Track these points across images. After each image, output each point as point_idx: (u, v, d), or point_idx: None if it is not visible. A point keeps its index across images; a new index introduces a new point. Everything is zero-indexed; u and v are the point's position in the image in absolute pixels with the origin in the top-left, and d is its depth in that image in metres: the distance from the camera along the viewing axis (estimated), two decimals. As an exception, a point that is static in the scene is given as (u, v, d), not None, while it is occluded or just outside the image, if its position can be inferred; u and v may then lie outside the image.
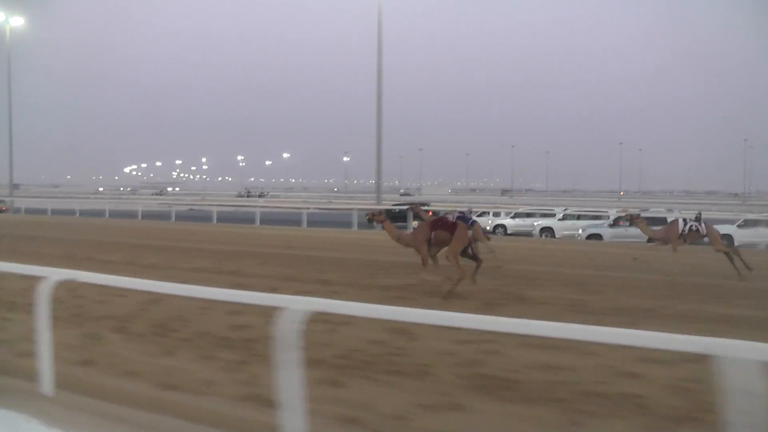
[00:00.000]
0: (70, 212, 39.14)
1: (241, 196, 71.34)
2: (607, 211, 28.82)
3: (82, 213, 38.85)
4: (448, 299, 9.28)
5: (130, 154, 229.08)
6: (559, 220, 28.05)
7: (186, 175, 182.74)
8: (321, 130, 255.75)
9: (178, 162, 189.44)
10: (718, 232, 13.20)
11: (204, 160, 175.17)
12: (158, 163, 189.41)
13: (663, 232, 13.41)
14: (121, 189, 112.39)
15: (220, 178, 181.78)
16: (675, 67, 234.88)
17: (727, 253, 12.72)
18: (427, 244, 10.10)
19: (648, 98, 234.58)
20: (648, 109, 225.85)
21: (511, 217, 29.01)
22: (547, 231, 26.96)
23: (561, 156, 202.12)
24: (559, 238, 25.58)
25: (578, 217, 28.31)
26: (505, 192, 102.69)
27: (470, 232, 10.29)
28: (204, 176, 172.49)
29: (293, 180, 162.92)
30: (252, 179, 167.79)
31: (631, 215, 14.40)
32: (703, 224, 12.92)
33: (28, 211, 41.20)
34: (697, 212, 14.26)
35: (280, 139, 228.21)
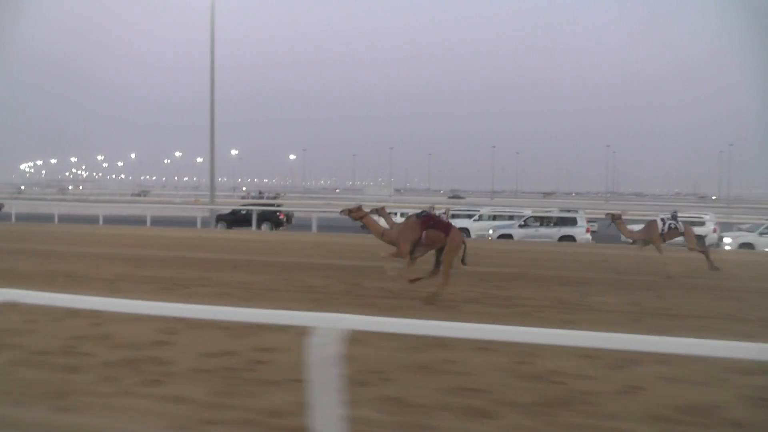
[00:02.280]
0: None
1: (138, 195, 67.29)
2: (522, 212, 29.26)
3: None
4: (431, 304, 8.86)
5: (25, 150, 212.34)
6: (474, 221, 28.21)
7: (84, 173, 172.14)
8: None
9: (73, 159, 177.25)
10: (693, 231, 13.73)
11: (101, 158, 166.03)
12: (53, 161, 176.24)
13: (643, 233, 13.61)
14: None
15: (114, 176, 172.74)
16: (654, 71, 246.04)
17: (702, 252, 13.40)
18: (413, 242, 9.36)
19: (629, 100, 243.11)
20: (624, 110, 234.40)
21: (474, 220, 28.74)
22: (464, 231, 26.91)
23: (534, 157, 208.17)
24: (474, 239, 25.53)
25: (494, 218, 28.53)
26: (454, 194, 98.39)
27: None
28: (98, 174, 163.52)
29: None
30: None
31: (613, 215, 14.28)
32: (680, 222, 13.32)
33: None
34: (673, 210, 14.77)
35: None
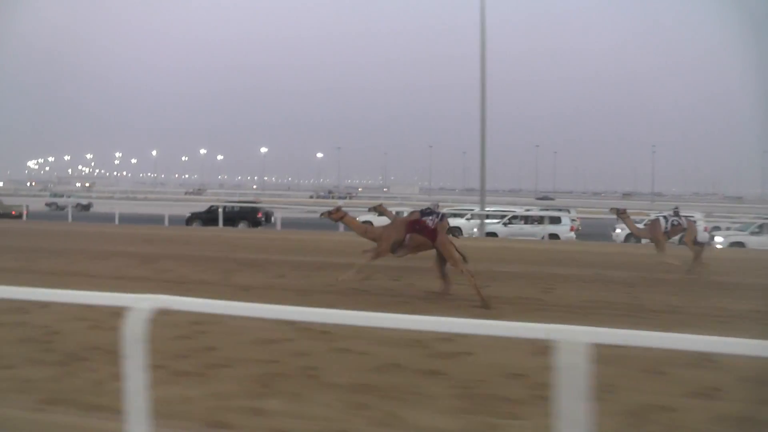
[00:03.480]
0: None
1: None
2: (515, 211, 29.24)
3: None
4: (487, 307, 8.57)
5: (32, 147, 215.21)
6: (467, 219, 28.19)
7: (97, 171, 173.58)
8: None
9: (88, 156, 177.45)
10: (696, 227, 13.78)
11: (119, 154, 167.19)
12: (66, 157, 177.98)
13: (647, 231, 13.74)
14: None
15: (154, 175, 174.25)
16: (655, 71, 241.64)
17: (695, 249, 13.11)
18: (396, 243, 9.38)
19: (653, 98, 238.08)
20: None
21: (467, 219, 28.61)
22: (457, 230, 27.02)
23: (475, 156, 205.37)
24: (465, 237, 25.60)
25: (487, 218, 28.34)
26: (544, 196, 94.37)
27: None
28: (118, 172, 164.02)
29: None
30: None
31: (618, 210, 14.32)
32: (683, 218, 13.33)
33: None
34: (674, 207, 14.73)
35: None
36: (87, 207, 41.57)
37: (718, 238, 24.21)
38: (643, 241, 18.34)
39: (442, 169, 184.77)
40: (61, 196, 47.65)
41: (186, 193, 74.65)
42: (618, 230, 24.46)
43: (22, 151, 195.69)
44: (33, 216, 32.82)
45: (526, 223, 25.62)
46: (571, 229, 24.84)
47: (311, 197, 65.45)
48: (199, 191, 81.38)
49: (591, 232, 27.57)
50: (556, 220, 25.33)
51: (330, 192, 75.69)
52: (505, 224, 25.66)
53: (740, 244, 23.24)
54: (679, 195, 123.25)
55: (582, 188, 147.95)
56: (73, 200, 41.15)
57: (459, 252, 9.37)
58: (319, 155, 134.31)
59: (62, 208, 35.48)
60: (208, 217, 28.86)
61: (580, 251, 17.97)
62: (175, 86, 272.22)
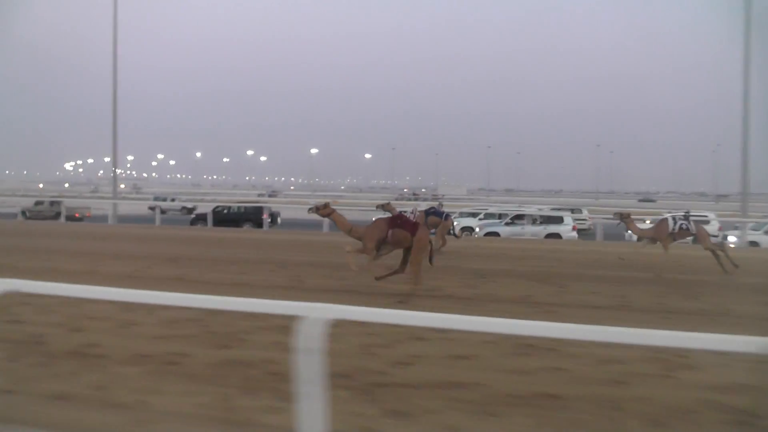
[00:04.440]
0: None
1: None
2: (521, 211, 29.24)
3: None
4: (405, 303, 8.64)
5: (68, 149, 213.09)
6: (479, 219, 28.12)
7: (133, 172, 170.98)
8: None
9: (129, 158, 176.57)
10: (706, 230, 13.46)
11: (161, 156, 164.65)
12: (106, 159, 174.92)
13: (652, 231, 13.49)
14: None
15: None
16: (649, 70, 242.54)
17: (713, 251, 12.88)
18: (379, 240, 9.45)
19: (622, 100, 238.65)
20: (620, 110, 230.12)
21: (479, 219, 28.47)
22: (467, 230, 26.95)
23: (532, 156, 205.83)
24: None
25: (499, 216, 28.21)
26: (645, 198, 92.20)
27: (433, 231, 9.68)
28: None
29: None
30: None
31: (621, 213, 14.19)
32: (692, 222, 13.02)
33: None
34: (685, 210, 14.42)
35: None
36: (191, 210, 40.83)
37: (731, 238, 24.43)
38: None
39: (498, 169, 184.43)
40: (164, 199, 46.58)
41: (259, 195, 72.87)
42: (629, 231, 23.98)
43: (57, 154, 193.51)
44: (126, 219, 31.24)
45: (528, 223, 25.63)
46: (573, 229, 24.94)
47: (397, 198, 63.58)
48: (273, 193, 79.64)
49: (605, 232, 27.54)
50: (558, 220, 25.43)
51: (414, 194, 74.06)
52: (507, 224, 25.65)
53: (755, 244, 23.39)
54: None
55: (636, 188, 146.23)
56: (177, 204, 42.08)
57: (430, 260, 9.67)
58: (368, 156, 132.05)
59: (164, 211, 34.61)
60: (213, 218, 28.99)
61: (573, 251, 17.88)
62: (212, 87, 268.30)
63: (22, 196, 44.93)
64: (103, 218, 30.60)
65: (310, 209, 10.73)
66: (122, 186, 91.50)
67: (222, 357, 5.56)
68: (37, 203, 34.87)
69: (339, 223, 10.21)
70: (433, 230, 15.26)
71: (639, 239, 14.64)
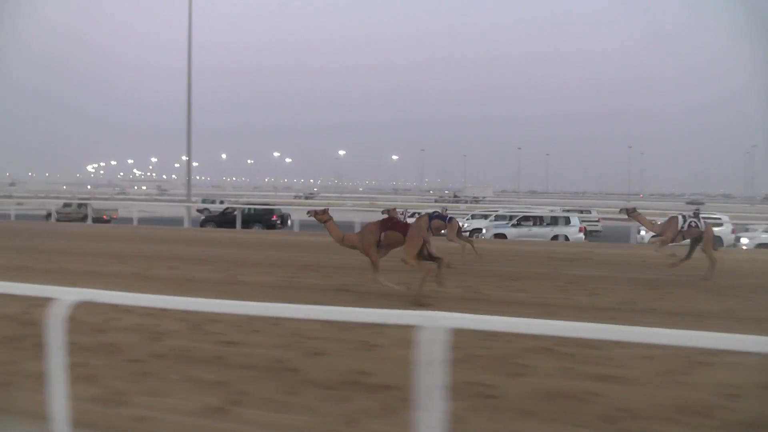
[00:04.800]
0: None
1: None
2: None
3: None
4: (419, 303, 8.64)
5: (89, 152, 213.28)
6: (490, 221, 28.20)
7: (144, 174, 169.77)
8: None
9: (153, 159, 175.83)
10: (712, 232, 13.34)
11: (184, 158, 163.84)
12: (130, 161, 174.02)
13: (661, 227, 13.36)
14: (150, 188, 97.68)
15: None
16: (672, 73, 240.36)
17: (710, 257, 12.63)
18: (376, 245, 9.51)
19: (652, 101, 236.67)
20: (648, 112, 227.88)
21: (490, 220, 28.50)
22: (477, 232, 27.02)
23: (561, 158, 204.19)
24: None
25: (510, 218, 28.24)
26: (693, 201, 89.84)
27: (430, 233, 9.68)
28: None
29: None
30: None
31: (628, 209, 14.11)
32: (702, 221, 12.87)
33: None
34: (695, 208, 14.26)
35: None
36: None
37: (744, 240, 24.57)
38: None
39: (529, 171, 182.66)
40: (213, 202, 46.37)
41: (295, 197, 72.05)
42: (642, 231, 23.67)
43: (78, 156, 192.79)
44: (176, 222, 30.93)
45: (534, 224, 25.75)
46: (580, 230, 25.07)
47: (436, 201, 61.52)
48: (310, 196, 78.72)
49: (614, 234, 27.57)
50: (565, 221, 25.58)
51: (455, 195, 73.30)
52: (514, 225, 25.75)
53: (767, 246, 23.44)
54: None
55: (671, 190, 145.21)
56: (225, 206, 40.96)
57: (431, 254, 9.52)
58: (395, 157, 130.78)
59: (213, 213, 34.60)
60: (222, 220, 29.17)
61: (578, 252, 17.88)
62: (240, 88, 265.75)
63: (55, 198, 44.22)
64: (128, 221, 30.58)
65: (308, 212, 10.85)
66: (143, 188, 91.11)
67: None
68: (65, 205, 34.70)
69: (331, 232, 10.21)
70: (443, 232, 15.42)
71: (653, 236, 14.56)
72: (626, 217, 14.37)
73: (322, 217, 10.26)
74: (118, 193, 76.81)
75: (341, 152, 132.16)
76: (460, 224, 17.50)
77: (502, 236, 25.11)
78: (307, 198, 72.28)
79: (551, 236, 24.63)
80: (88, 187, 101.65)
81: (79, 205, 34.08)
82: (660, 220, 15.30)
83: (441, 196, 73.86)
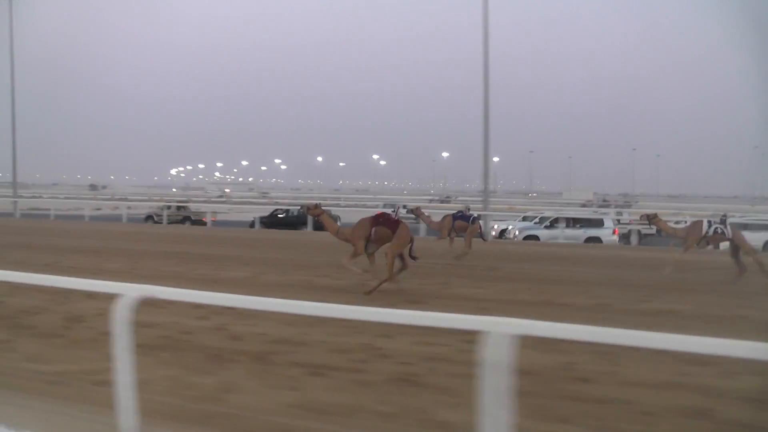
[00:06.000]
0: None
1: None
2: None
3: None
4: (370, 295, 9.30)
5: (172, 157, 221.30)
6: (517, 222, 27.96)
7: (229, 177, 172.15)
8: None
9: (218, 164, 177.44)
10: (742, 235, 12.80)
11: (279, 161, 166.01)
12: (201, 165, 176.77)
13: (684, 231, 13.16)
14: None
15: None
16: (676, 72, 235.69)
17: (757, 258, 12.21)
18: (365, 239, 10.02)
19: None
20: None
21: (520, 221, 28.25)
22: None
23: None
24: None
25: (539, 220, 27.92)
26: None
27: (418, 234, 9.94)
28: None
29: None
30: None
31: (648, 216, 13.82)
32: (728, 227, 12.41)
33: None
34: (722, 214, 13.83)
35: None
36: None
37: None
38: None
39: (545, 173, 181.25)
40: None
41: (431, 201, 71.81)
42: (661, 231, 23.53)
43: (164, 159, 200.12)
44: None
45: (567, 226, 25.39)
46: (614, 233, 24.67)
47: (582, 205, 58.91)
48: (447, 199, 78.39)
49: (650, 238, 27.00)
50: (598, 223, 25.10)
51: (605, 200, 72.34)
52: (546, 227, 25.42)
53: None
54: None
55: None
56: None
57: (411, 254, 10.10)
58: (445, 154, 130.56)
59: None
60: (270, 221, 29.84)
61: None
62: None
63: (158, 201, 44.28)
64: (224, 223, 31.68)
65: (301, 207, 11.41)
66: (227, 190, 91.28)
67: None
68: (166, 207, 35.07)
69: (326, 225, 10.72)
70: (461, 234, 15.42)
71: (673, 242, 14.16)
72: (647, 223, 14.04)
73: (315, 211, 10.80)
74: (218, 196, 75.80)
75: (375, 156, 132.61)
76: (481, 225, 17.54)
77: (535, 238, 24.84)
78: (442, 202, 70.40)
79: (585, 239, 24.27)
80: (173, 189, 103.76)
81: (178, 208, 34.59)
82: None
83: (597, 199, 72.83)
